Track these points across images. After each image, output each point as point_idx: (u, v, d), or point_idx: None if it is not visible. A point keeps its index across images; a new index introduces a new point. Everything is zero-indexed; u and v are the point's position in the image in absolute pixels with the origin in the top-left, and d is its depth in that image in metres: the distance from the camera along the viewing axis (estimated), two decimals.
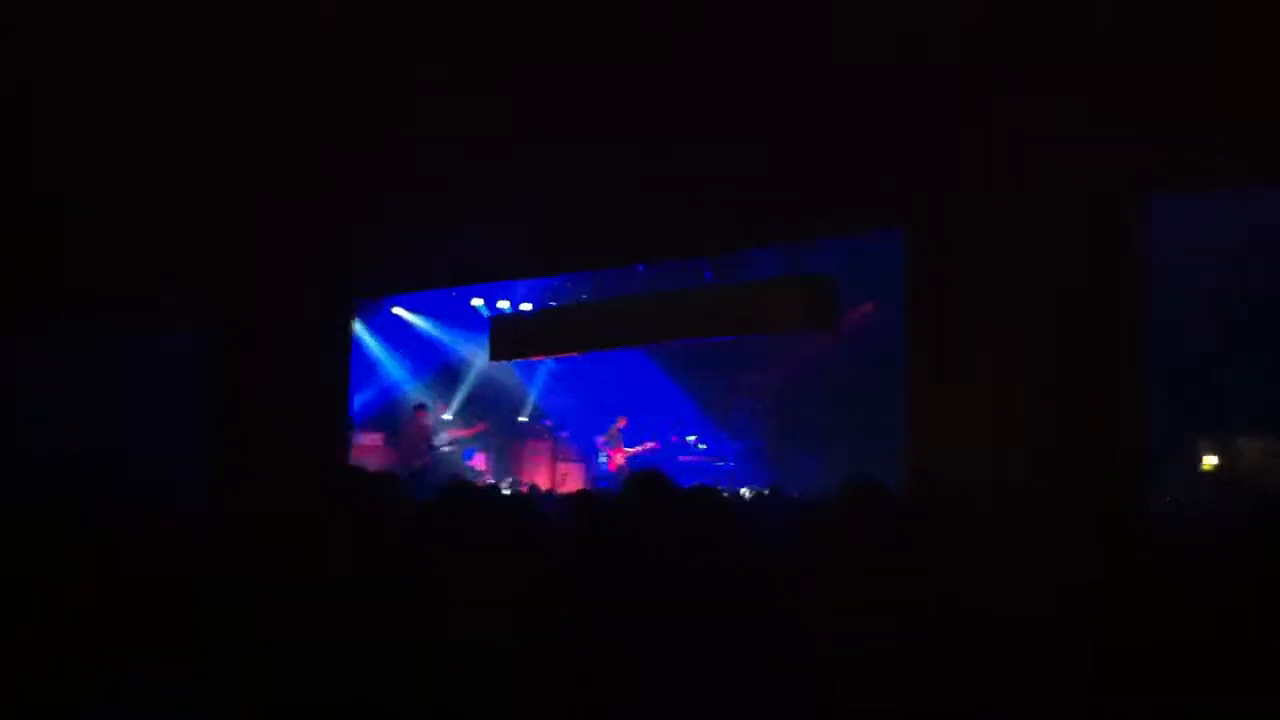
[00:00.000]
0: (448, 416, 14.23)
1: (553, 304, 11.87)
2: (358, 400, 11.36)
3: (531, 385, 14.74)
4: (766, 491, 9.51)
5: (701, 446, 13.80)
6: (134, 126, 6.32)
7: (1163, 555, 4.18)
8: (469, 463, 13.80)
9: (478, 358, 13.45)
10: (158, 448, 9.92)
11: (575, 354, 12.68)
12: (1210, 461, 12.51)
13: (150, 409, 10.54)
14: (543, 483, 13.26)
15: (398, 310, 13.51)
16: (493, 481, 13.12)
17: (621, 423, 13.49)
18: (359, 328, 11.79)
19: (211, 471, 9.04)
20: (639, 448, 13.23)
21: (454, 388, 14.40)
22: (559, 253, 8.59)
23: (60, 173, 6.92)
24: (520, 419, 14.73)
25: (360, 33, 5.27)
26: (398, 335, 13.78)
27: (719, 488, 7.09)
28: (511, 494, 8.35)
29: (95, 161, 6.77)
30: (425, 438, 13.23)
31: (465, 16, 5.16)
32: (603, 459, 13.36)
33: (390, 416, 13.92)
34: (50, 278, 8.76)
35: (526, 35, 5.22)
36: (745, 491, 10.60)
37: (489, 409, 14.32)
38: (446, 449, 13.10)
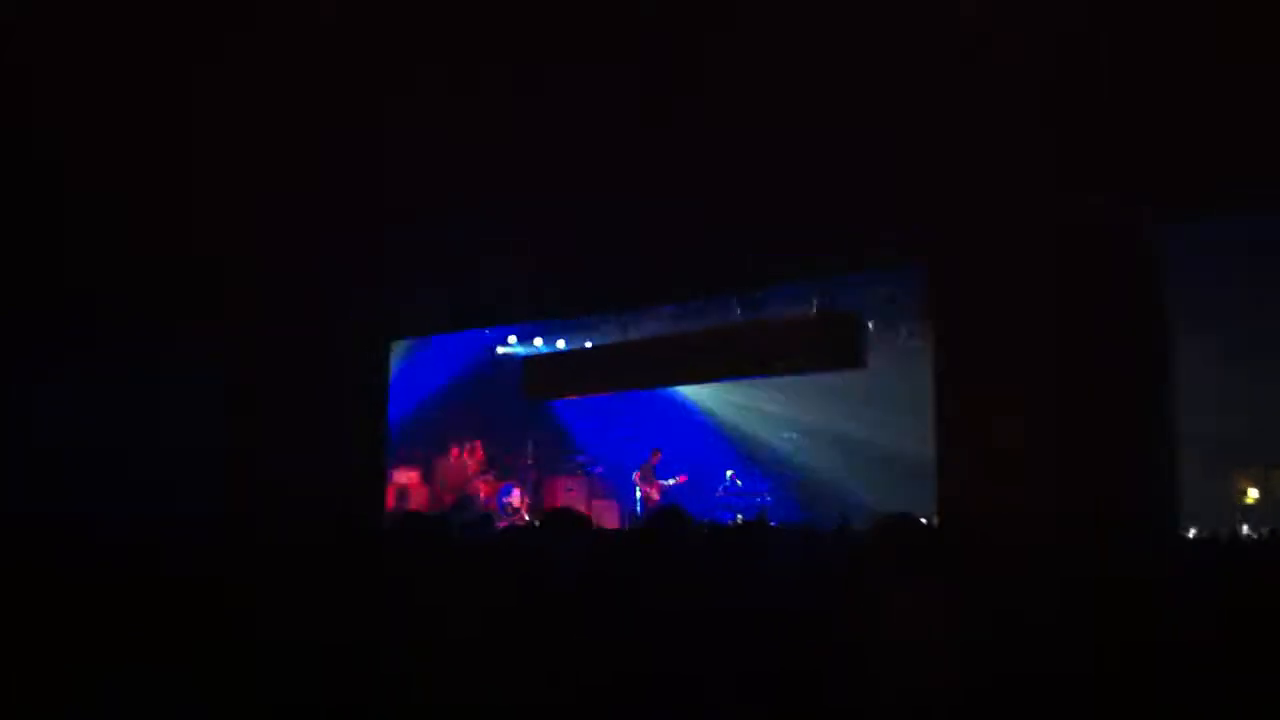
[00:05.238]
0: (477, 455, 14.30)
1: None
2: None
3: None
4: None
5: (738, 483, 13.79)
6: (160, 161, 6.39)
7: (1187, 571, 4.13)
8: (506, 499, 13.82)
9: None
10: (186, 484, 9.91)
11: (607, 393, 12.73)
12: (1252, 495, 12.28)
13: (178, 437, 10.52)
14: None
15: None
16: (528, 519, 13.12)
17: (656, 457, 13.50)
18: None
19: (241, 508, 9.06)
20: (671, 481, 13.23)
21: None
22: (585, 294, 8.67)
23: (81, 206, 6.98)
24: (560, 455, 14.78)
25: (390, 62, 5.32)
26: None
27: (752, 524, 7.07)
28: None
29: (116, 193, 6.84)
30: (462, 475, 13.34)
31: (488, 56, 5.22)
32: (638, 494, 13.37)
33: (426, 451, 14.02)
34: (71, 315, 8.87)
35: (542, 55, 5.26)
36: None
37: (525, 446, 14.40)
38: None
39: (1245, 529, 7.17)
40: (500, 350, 13.64)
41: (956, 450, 6.20)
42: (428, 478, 13.96)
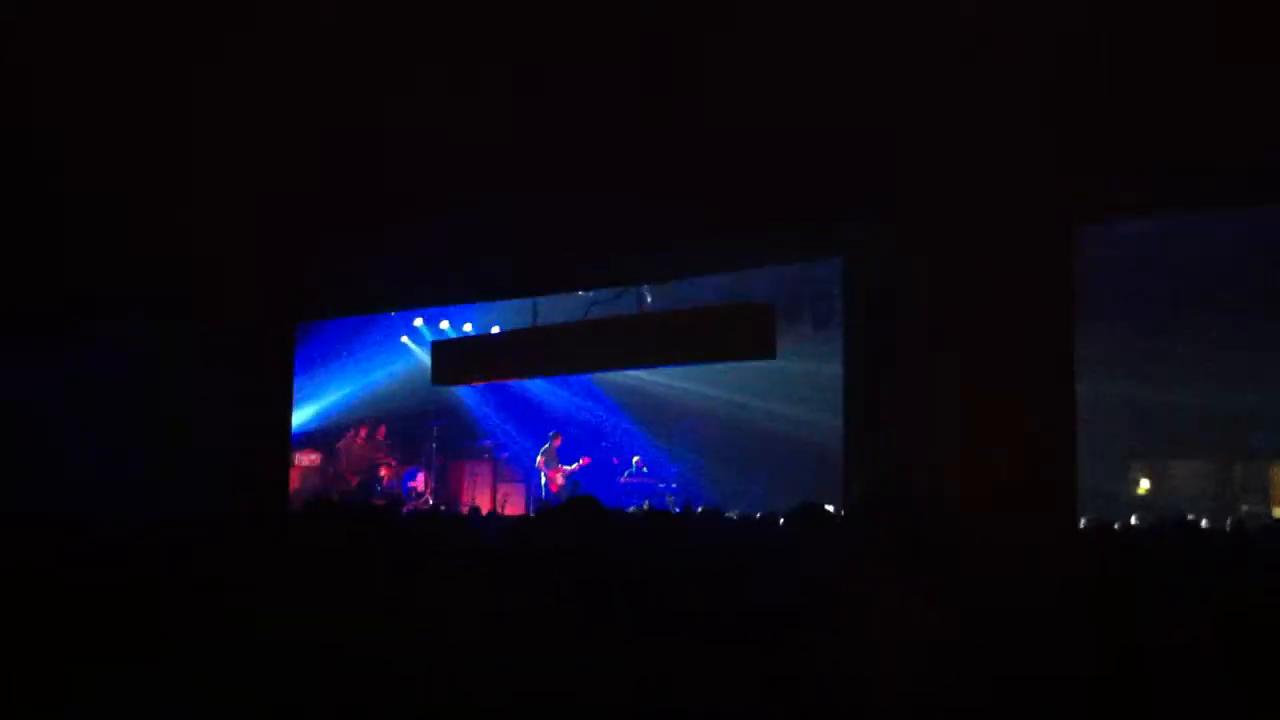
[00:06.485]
0: (380, 438, 14.31)
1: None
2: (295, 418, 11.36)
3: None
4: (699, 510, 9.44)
5: (644, 469, 13.82)
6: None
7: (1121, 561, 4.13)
8: (410, 484, 13.80)
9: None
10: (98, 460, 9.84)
11: (517, 379, 12.83)
12: (1144, 485, 12.29)
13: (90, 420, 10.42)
14: (484, 505, 13.23)
15: None
16: (432, 503, 13.10)
17: (556, 441, 13.53)
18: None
19: (150, 491, 9.05)
20: (575, 465, 13.26)
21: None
22: (500, 279, 8.62)
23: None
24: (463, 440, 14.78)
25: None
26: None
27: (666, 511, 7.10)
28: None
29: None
30: (364, 457, 13.36)
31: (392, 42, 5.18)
32: (543, 479, 13.38)
33: (327, 434, 14.00)
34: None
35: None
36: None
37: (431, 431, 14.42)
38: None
39: (1134, 520, 7.28)
40: (404, 340, 13.77)
41: (860, 441, 6.24)
42: (329, 460, 13.93)
